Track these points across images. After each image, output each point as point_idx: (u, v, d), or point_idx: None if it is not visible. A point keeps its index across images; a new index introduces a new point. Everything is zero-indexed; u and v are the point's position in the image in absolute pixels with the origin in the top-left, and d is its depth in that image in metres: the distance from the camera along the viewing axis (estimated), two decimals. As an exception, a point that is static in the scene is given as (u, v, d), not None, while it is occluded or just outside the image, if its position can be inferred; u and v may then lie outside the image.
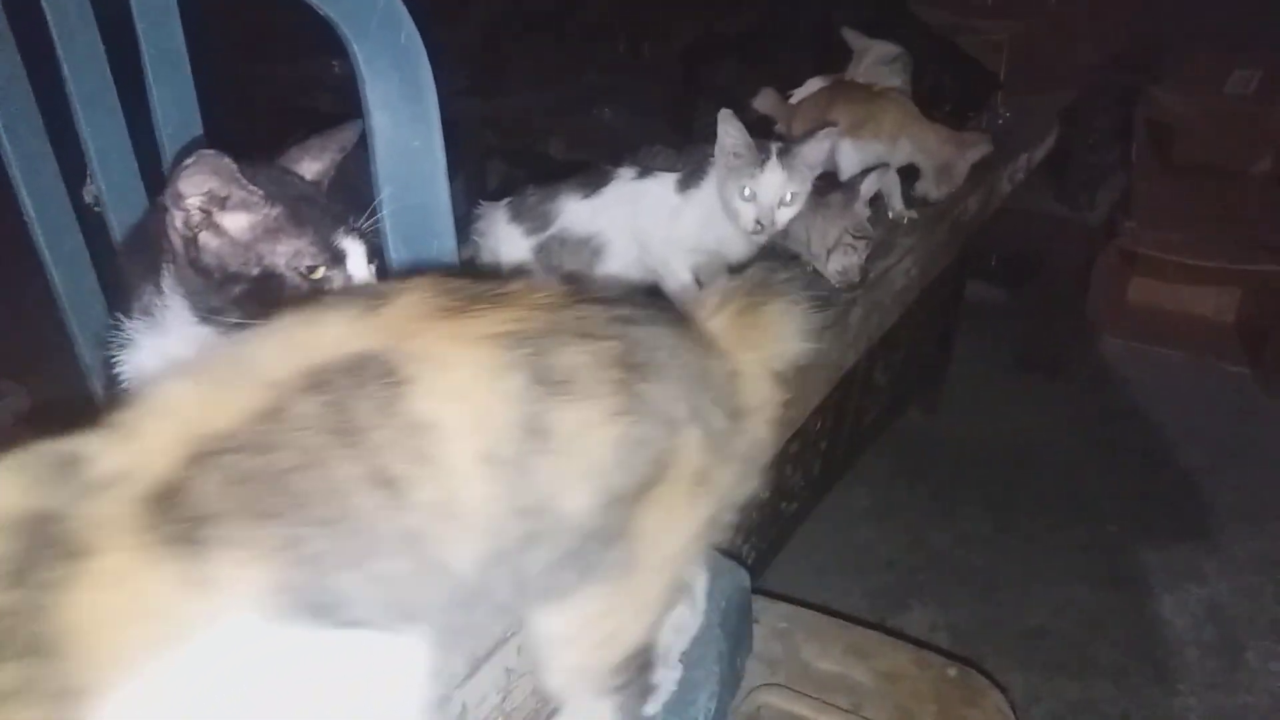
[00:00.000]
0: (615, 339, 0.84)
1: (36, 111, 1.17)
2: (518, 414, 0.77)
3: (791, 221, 1.51)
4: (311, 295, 0.98)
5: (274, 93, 3.39)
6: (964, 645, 2.36)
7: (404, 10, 1.03)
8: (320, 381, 0.74)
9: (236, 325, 0.95)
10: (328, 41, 1.06)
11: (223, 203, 0.96)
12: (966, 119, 2.54)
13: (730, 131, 1.45)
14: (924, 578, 2.65)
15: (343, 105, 1.13)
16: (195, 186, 0.94)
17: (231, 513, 0.69)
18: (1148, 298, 3.86)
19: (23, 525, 0.67)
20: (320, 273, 1.00)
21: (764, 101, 2.09)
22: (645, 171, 1.56)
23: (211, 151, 0.92)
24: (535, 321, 0.81)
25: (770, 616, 1.52)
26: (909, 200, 2.07)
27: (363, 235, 1.04)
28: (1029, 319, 3.69)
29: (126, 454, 0.71)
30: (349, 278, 1.02)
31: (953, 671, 1.45)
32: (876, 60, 2.27)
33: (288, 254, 0.99)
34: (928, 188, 2.02)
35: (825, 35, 2.38)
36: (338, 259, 1.01)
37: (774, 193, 1.45)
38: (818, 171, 1.51)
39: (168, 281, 1.01)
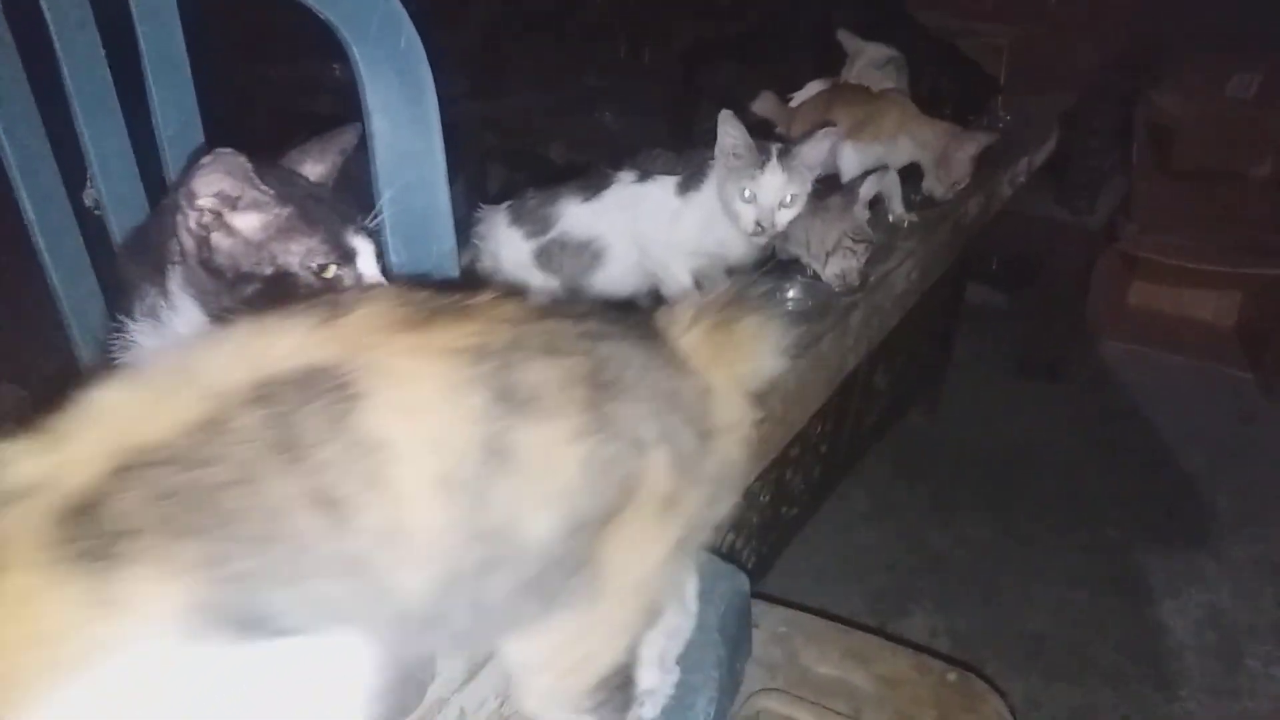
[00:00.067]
0: (583, 355, 0.81)
1: (36, 114, 1.17)
2: (478, 433, 0.74)
3: (791, 225, 1.50)
4: (324, 293, 0.97)
5: (274, 95, 3.38)
6: (964, 649, 2.36)
7: (404, 13, 1.03)
8: (266, 394, 0.70)
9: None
10: (328, 44, 1.06)
11: (234, 203, 0.96)
12: (966, 122, 2.52)
13: (730, 132, 1.45)
14: (924, 581, 2.65)
15: (343, 108, 1.13)
16: (208, 186, 0.94)
17: (150, 528, 0.66)
18: (1148, 301, 3.86)
19: None
20: (332, 271, 0.99)
21: (763, 105, 2.09)
22: (645, 175, 1.56)
23: (229, 151, 0.92)
24: (500, 336, 0.78)
25: (770, 621, 1.52)
26: (913, 202, 2.07)
27: (371, 234, 1.04)
28: (1029, 322, 3.69)
29: (47, 463, 0.68)
30: (359, 276, 1.01)
31: (952, 677, 1.45)
32: (870, 63, 2.27)
33: (301, 253, 0.98)
34: (931, 184, 2.01)
35: (825, 38, 2.37)
36: (348, 257, 1.01)
37: (774, 194, 1.45)
38: (818, 173, 1.51)
39: (175, 282, 1.00)
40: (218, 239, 0.97)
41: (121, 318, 1.04)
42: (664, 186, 1.54)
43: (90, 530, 0.65)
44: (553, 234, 1.54)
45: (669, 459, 0.83)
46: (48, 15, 1.11)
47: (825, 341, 1.61)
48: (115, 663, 0.66)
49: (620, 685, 0.94)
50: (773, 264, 1.67)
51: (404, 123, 1.06)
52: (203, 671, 0.69)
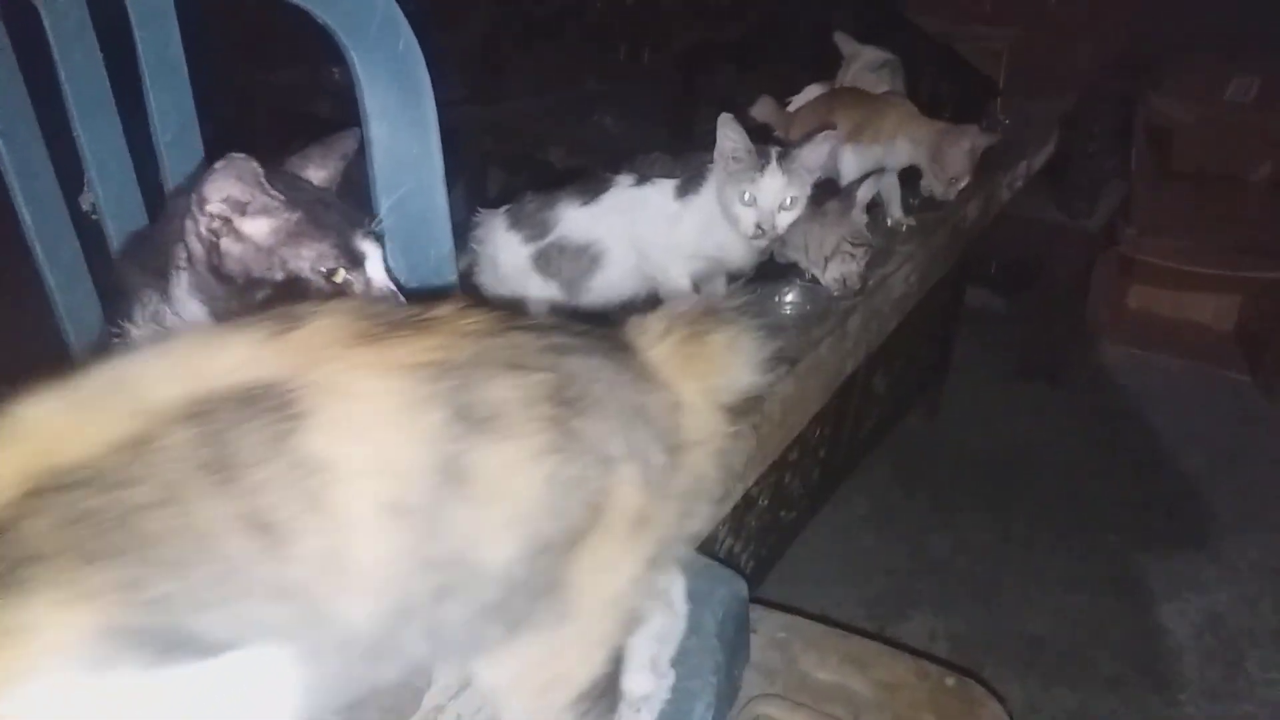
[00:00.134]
0: (547, 371, 0.78)
1: (33, 118, 1.17)
2: (433, 454, 0.71)
3: (789, 230, 1.50)
4: (334, 297, 0.97)
5: (273, 99, 3.39)
6: (963, 653, 2.36)
7: (402, 18, 1.03)
8: (202, 410, 0.67)
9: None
10: (327, 48, 1.06)
11: (243, 208, 0.95)
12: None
13: (730, 136, 1.45)
14: (923, 586, 2.65)
15: (342, 111, 1.13)
16: (218, 191, 0.94)
17: (60, 553, 0.63)
18: (1147, 304, 3.87)
19: None
20: (341, 275, 0.99)
21: (762, 109, 2.09)
22: (644, 178, 1.56)
23: (241, 155, 0.92)
24: (461, 351, 0.75)
25: (768, 626, 1.51)
26: (911, 206, 2.07)
27: (379, 238, 1.04)
28: (1028, 325, 3.69)
29: None
30: (368, 280, 1.01)
31: (951, 681, 1.44)
32: (865, 66, 2.27)
33: (311, 258, 0.98)
34: (930, 183, 2.01)
35: (823, 42, 2.38)
36: (357, 261, 1.00)
37: (774, 197, 1.45)
38: (817, 175, 1.51)
39: (180, 288, 1.00)
40: (227, 244, 0.97)
41: (123, 322, 1.04)
42: (662, 190, 1.54)
43: None
44: (551, 238, 1.54)
45: (638, 476, 0.81)
46: (45, 19, 1.10)
47: (824, 345, 1.61)
48: (20, 693, 0.63)
49: (602, 694, 0.92)
50: (771, 268, 1.67)
51: (402, 127, 1.06)
52: (118, 698, 0.66)
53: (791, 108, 2.15)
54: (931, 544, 2.80)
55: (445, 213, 1.10)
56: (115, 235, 1.22)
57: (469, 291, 1.48)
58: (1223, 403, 3.46)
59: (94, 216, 1.24)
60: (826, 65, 2.34)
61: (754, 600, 1.43)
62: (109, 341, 1.05)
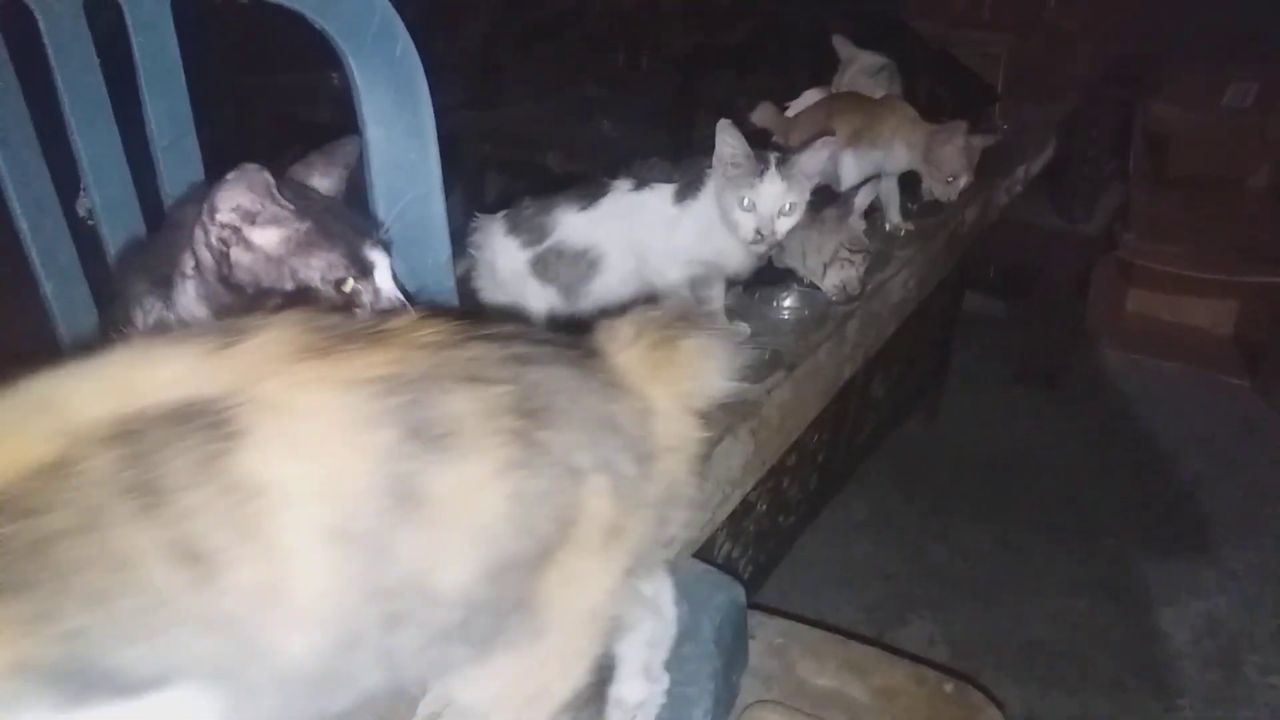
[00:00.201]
0: (509, 383, 0.74)
1: (30, 123, 1.17)
2: (383, 475, 0.67)
3: (787, 238, 1.50)
4: (344, 308, 0.97)
5: (271, 104, 3.38)
6: (962, 659, 2.35)
7: (400, 23, 1.03)
8: (129, 430, 0.62)
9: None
10: (325, 53, 1.06)
11: (253, 218, 0.95)
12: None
13: (729, 141, 1.45)
14: (922, 591, 2.64)
15: (340, 116, 1.13)
16: (229, 201, 0.93)
17: None
18: (1146, 309, 3.87)
19: None
20: (350, 285, 0.99)
21: (762, 115, 2.09)
22: (642, 183, 1.56)
23: (253, 166, 0.92)
24: (415, 364, 0.71)
25: (766, 632, 1.51)
26: (910, 211, 2.07)
27: (387, 246, 1.03)
28: (1027, 330, 3.69)
29: None
30: (377, 290, 1.01)
31: (949, 687, 1.44)
32: (862, 70, 2.27)
33: (321, 268, 0.98)
34: (928, 184, 2.01)
35: (823, 46, 2.38)
36: (366, 271, 1.00)
37: (773, 202, 1.44)
38: (816, 181, 1.51)
39: (188, 296, 1.00)
40: (237, 254, 0.96)
41: (124, 328, 1.03)
42: (661, 195, 1.54)
43: None
44: (549, 243, 1.53)
45: (608, 487, 0.78)
46: (42, 24, 1.10)
47: (822, 350, 1.61)
48: None
49: (586, 702, 0.91)
50: (769, 273, 1.66)
51: (400, 131, 1.07)
52: None
53: (790, 113, 2.15)
54: (930, 549, 2.80)
55: (443, 217, 1.10)
56: (112, 240, 1.22)
57: (466, 296, 1.47)
58: (1221, 407, 3.46)
59: (90, 222, 1.24)
60: (826, 70, 2.34)
61: (752, 606, 1.43)
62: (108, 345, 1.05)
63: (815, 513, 2.54)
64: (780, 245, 1.55)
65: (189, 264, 0.99)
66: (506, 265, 1.55)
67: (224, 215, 0.94)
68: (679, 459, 0.87)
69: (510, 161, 3.15)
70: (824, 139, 1.50)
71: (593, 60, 3.56)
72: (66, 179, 1.21)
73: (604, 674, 0.96)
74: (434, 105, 1.08)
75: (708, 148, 1.48)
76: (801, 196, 1.47)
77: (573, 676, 0.86)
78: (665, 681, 1.14)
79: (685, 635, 1.21)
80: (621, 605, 0.88)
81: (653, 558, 0.91)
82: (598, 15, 3.63)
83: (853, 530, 2.83)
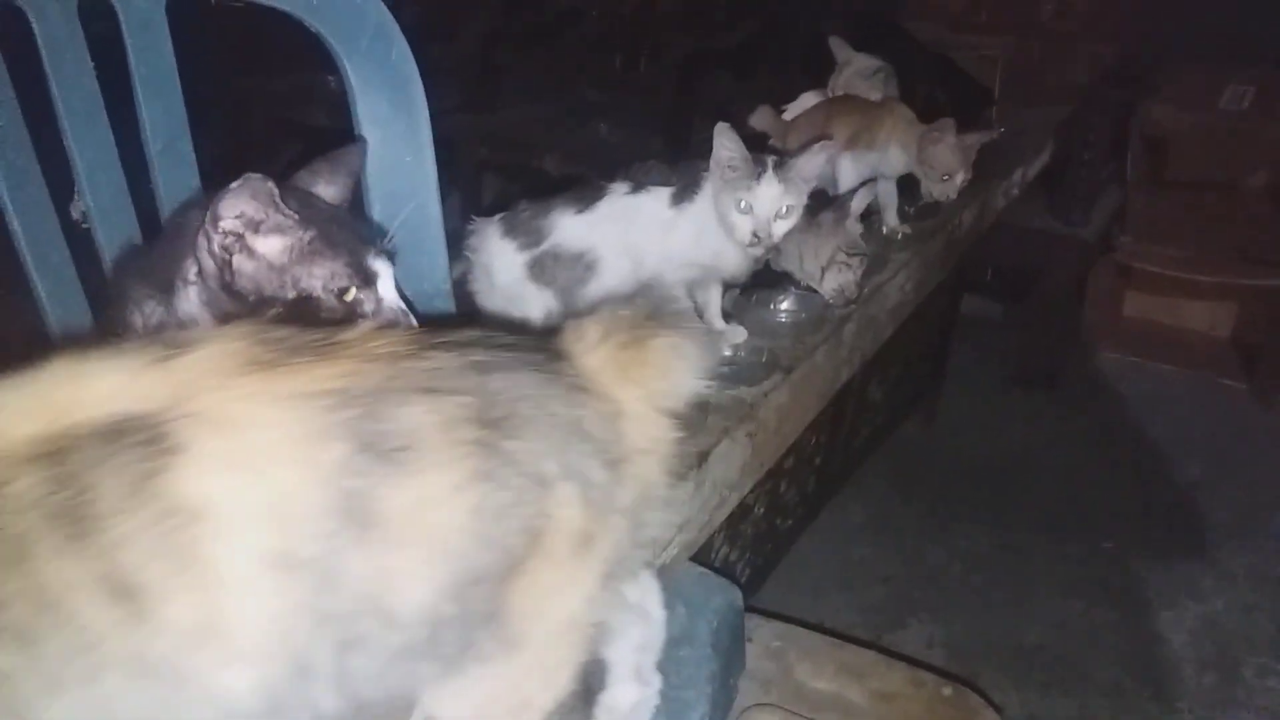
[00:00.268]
0: (468, 393, 0.71)
1: (23, 126, 1.16)
2: (332, 495, 0.63)
3: (784, 242, 1.50)
4: (346, 317, 0.97)
5: (267, 107, 3.38)
6: (960, 662, 2.35)
7: (396, 27, 1.03)
8: (58, 449, 0.58)
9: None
10: (322, 56, 1.06)
11: (256, 226, 0.95)
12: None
13: (726, 144, 1.45)
14: (920, 594, 2.64)
15: (337, 119, 1.13)
16: (232, 209, 0.93)
17: None
18: (1143, 312, 3.87)
19: None
20: (352, 294, 0.99)
21: (760, 119, 2.09)
22: (639, 186, 1.56)
23: (258, 175, 0.92)
24: (368, 376, 0.67)
25: (764, 635, 1.50)
26: (907, 214, 2.07)
27: (390, 256, 1.03)
28: (1024, 333, 3.69)
29: None
30: (379, 299, 1.01)
31: (948, 691, 1.44)
32: (858, 72, 2.27)
33: (324, 276, 0.98)
34: (926, 185, 2.00)
35: (820, 50, 2.38)
36: (369, 280, 1.00)
37: (770, 205, 1.44)
38: (813, 185, 1.51)
39: (189, 302, 1.00)
40: (240, 261, 0.96)
41: (121, 331, 1.03)
42: (658, 198, 1.54)
43: None
44: (546, 246, 1.53)
45: (577, 494, 0.75)
46: (36, 26, 1.10)
47: (819, 353, 1.60)
48: None
49: (572, 709, 0.89)
50: (766, 275, 1.66)
51: (396, 135, 1.06)
52: None
53: (788, 116, 2.15)
54: (928, 552, 2.80)
55: (439, 220, 1.10)
56: (106, 244, 1.22)
57: (462, 299, 1.47)
58: (1219, 410, 3.46)
59: (84, 225, 1.23)
60: (823, 72, 2.34)
61: (749, 609, 1.42)
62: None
63: (813, 516, 2.53)
64: (777, 248, 1.55)
65: (192, 270, 0.99)
66: (503, 268, 1.55)
67: (227, 223, 0.94)
68: (652, 461, 0.84)
69: (507, 164, 3.15)
70: (821, 142, 1.50)
71: (590, 63, 3.56)
72: (61, 182, 1.21)
73: (591, 680, 0.95)
74: (430, 108, 1.08)
75: (705, 151, 1.48)
76: (799, 200, 1.47)
77: (555, 686, 0.84)
78: (658, 684, 1.13)
79: (682, 638, 1.20)
80: (602, 611, 0.86)
81: (632, 561, 0.88)
82: (595, 18, 3.63)
83: (850, 533, 2.82)
